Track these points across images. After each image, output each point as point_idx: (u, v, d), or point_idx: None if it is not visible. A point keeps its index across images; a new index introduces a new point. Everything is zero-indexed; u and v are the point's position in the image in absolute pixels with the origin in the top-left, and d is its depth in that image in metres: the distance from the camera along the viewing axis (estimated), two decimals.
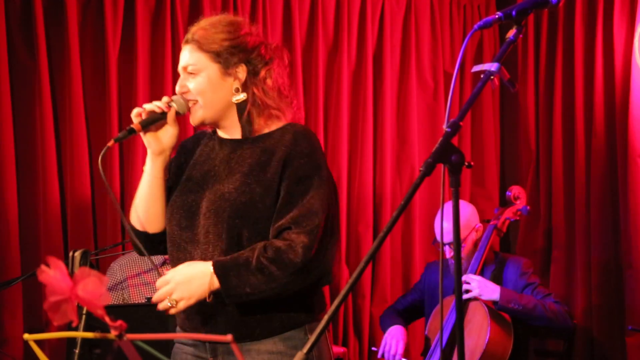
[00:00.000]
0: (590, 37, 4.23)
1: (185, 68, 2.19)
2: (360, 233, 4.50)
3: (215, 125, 2.24)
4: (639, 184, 3.93)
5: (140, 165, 2.27)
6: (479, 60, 4.77)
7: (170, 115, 2.18)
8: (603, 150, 4.14)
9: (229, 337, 1.15)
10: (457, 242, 1.68)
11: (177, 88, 2.21)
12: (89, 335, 1.12)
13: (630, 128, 3.96)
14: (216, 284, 2.05)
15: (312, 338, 1.41)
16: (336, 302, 1.44)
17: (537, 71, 4.58)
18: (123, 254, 3.72)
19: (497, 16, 1.84)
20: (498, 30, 4.84)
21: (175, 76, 4.06)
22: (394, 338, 3.81)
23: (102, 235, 3.95)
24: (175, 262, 2.21)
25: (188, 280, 2.06)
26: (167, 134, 2.20)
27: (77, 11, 3.91)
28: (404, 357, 3.79)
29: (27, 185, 3.88)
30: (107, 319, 1.08)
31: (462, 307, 1.72)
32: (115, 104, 3.96)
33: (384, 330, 3.93)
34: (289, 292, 2.09)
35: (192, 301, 2.06)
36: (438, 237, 3.89)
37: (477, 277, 3.63)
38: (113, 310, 2.92)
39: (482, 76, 1.76)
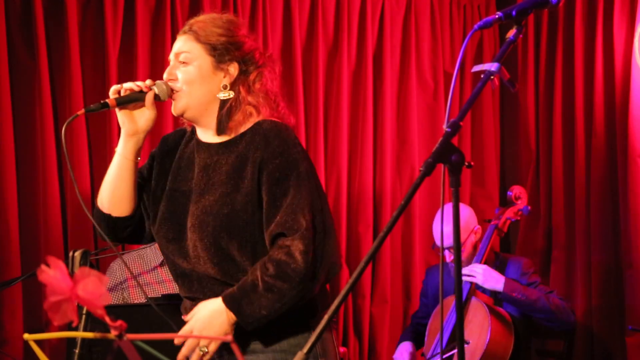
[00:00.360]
0: (590, 37, 4.23)
1: (177, 55, 2.17)
2: (360, 233, 4.50)
3: (194, 120, 2.21)
4: (639, 184, 3.93)
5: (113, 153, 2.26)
6: (479, 60, 4.77)
7: (149, 97, 2.15)
8: (603, 150, 4.14)
9: (229, 337, 1.15)
10: (457, 242, 1.68)
11: (165, 75, 2.19)
12: (89, 335, 1.12)
13: (630, 128, 3.96)
14: (233, 317, 2.05)
15: (312, 338, 1.41)
16: (336, 302, 1.44)
17: (537, 71, 4.58)
18: (123, 254, 3.72)
19: (497, 16, 1.84)
20: (498, 30, 4.84)
21: None
22: (400, 356, 3.87)
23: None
24: (172, 272, 2.23)
25: (208, 325, 2.06)
26: (144, 117, 2.17)
27: (77, 11, 3.91)
28: None
29: (27, 185, 3.87)
30: (107, 319, 1.08)
31: (462, 307, 1.72)
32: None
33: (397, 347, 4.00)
34: (306, 299, 2.09)
35: (219, 342, 2.08)
36: (437, 242, 3.89)
37: (483, 266, 3.63)
38: (113, 310, 2.92)
39: (482, 76, 1.76)
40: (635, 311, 3.97)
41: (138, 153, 2.21)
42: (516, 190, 3.95)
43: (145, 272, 3.59)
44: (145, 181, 2.28)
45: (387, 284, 4.51)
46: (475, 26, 1.87)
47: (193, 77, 2.15)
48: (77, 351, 2.57)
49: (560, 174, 4.39)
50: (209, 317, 2.06)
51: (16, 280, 3.53)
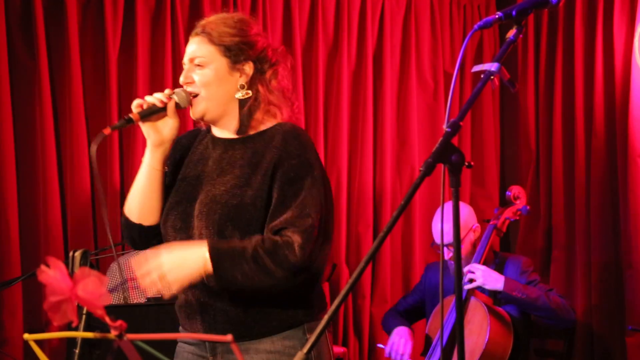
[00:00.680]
0: (590, 37, 4.23)
1: (192, 59, 2.18)
2: (360, 233, 4.50)
3: (213, 122, 2.23)
4: (639, 184, 3.93)
5: (140, 159, 2.26)
6: (479, 60, 4.77)
7: (170, 107, 2.16)
8: (603, 150, 4.14)
9: (229, 337, 1.15)
10: (457, 242, 1.68)
11: (182, 79, 2.19)
12: (89, 335, 1.12)
13: (630, 128, 3.96)
14: (209, 267, 2.03)
15: (312, 338, 1.40)
16: (336, 302, 1.44)
17: (537, 71, 4.58)
18: (123, 254, 3.72)
19: (497, 16, 1.84)
20: (498, 30, 4.84)
21: (176, 76, 4.08)
22: (402, 338, 3.81)
23: (102, 235, 3.95)
24: None
25: (181, 263, 2.04)
26: (167, 126, 2.18)
27: (77, 11, 3.92)
28: (411, 358, 3.79)
29: (27, 185, 3.88)
30: (107, 319, 1.08)
31: (462, 307, 1.72)
32: (115, 104, 3.96)
33: (387, 331, 3.93)
34: (277, 289, 2.07)
35: (179, 284, 2.04)
36: (436, 239, 3.89)
37: (482, 267, 3.63)
38: (113, 310, 2.92)
39: (482, 76, 1.76)
40: (635, 311, 3.97)
41: (165, 162, 2.22)
42: (515, 190, 3.95)
43: None
44: (167, 188, 2.28)
45: (387, 284, 4.51)
46: (475, 26, 1.87)
47: (210, 79, 2.16)
48: (77, 351, 2.56)
49: (560, 174, 4.39)
50: (185, 257, 2.05)
51: (16, 280, 3.53)
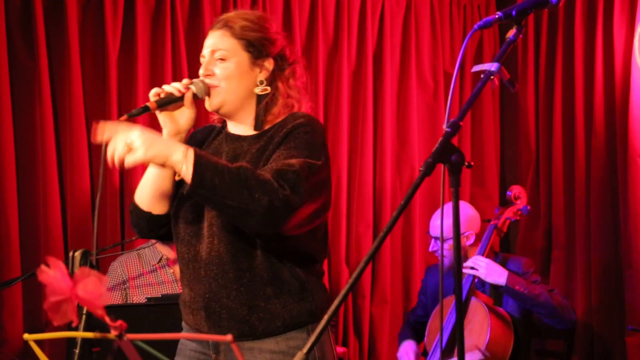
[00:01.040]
0: (590, 37, 4.23)
1: (213, 52, 2.18)
2: (360, 233, 4.50)
3: (229, 115, 2.23)
4: (639, 184, 3.94)
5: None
6: (479, 60, 4.78)
7: (188, 97, 2.15)
8: (603, 150, 4.14)
9: (229, 337, 1.15)
10: (457, 243, 1.68)
11: (202, 71, 2.19)
12: (89, 335, 1.12)
13: (630, 128, 3.96)
14: (190, 158, 1.94)
15: (312, 338, 1.41)
16: (336, 302, 1.44)
17: (537, 71, 4.59)
18: (123, 254, 3.72)
19: (497, 16, 1.84)
20: (498, 30, 4.84)
21: (176, 75, 4.08)
22: (405, 355, 3.85)
23: (102, 235, 3.95)
24: (181, 259, 2.21)
25: (160, 142, 1.97)
26: (184, 116, 2.17)
27: (77, 11, 3.92)
28: None
29: (27, 185, 3.88)
30: (107, 319, 1.08)
31: (462, 307, 1.72)
32: (115, 104, 3.96)
33: (398, 344, 4.00)
34: (252, 223, 1.97)
35: (148, 155, 1.94)
36: (431, 231, 3.91)
37: (486, 260, 3.63)
38: (113, 310, 2.92)
39: (482, 76, 1.76)
40: (635, 311, 3.97)
41: None
42: (515, 190, 3.95)
43: (147, 272, 3.59)
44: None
45: (387, 284, 4.51)
46: (475, 26, 1.87)
47: (232, 73, 2.16)
48: (77, 351, 2.56)
49: (560, 174, 4.39)
50: (168, 140, 2.03)
51: (16, 280, 3.53)
